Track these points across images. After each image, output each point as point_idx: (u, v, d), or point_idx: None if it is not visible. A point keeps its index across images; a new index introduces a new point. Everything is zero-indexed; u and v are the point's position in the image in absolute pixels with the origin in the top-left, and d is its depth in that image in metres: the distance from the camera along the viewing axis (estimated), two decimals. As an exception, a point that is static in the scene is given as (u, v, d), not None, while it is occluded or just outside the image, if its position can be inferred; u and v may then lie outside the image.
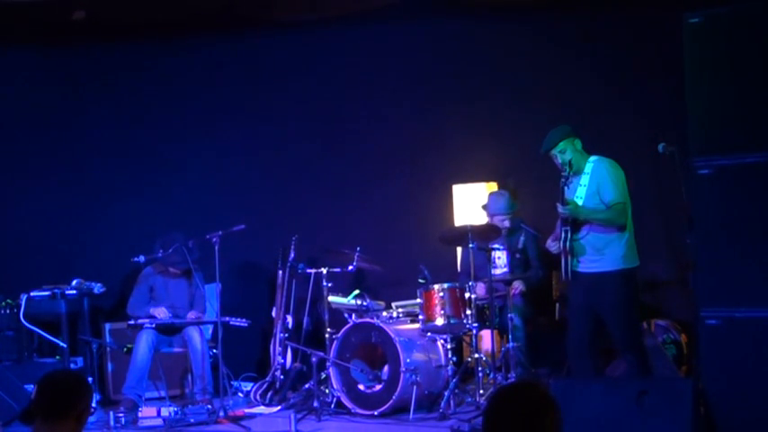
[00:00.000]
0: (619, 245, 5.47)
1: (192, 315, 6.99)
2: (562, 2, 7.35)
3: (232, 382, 7.09)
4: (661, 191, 6.75)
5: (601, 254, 5.49)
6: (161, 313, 6.92)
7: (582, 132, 5.74)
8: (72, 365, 7.06)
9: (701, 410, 4.58)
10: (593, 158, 5.60)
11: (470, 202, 7.40)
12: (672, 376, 6.02)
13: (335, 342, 6.52)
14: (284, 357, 7.18)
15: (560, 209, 5.46)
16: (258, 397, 6.93)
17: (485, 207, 6.97)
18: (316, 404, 6.30)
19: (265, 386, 6.99)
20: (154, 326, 6.86)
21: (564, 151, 5.56)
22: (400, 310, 6.82)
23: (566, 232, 5.52)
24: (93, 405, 6.43)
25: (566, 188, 5.49)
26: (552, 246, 5.65)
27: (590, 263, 5.53)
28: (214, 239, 6.52)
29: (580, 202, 5.52)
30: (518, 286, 6.78)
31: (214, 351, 6.84)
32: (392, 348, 6.28)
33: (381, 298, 7.21)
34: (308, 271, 7.01)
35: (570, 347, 5.66)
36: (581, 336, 5.58)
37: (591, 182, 5.52)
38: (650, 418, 4.45)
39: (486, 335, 6.72)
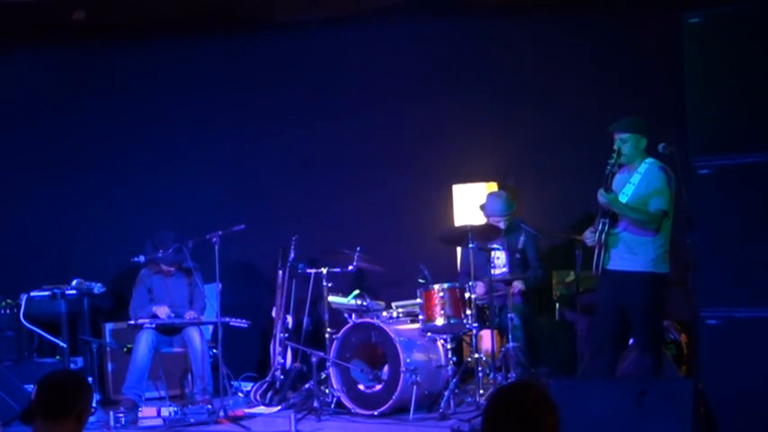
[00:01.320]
0: (652, 248, 5.44)
1: (190, 315, 6.99)
2: (562, 2, 7.36)
3: (232, 382, 7.09)
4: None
5: (633, 253, 5.46)
6: (163, 312, 6.92)
7: (582, 132, 5.75)
8: (72, 365, 7.06)
9: (701, 410, 4.58)
10: (649, 160, 5.52)
11: (470, 202, 7.40)
12: (672, 376, 6.01)
13: (335, 342, 6.52)
14: (284, 357, 7.18)
15: (601, 196, 5.43)
16: (258, 397, 6.92)
17: (482, 207, 6.97)
18: (316, 404, 6.30)
19: (265, 386, 6.99)
20: (154, 326, 6.86)
21: (625, 141, 5.48)
22: (400, 310, 6.82)
23: (603, 224, 5.48)
24: (94, 405, 6.43)
25: (612, 178, 5.41)
26: (589, 237, 5.61)
27: (621, 260, 5.50)
28: (214, 239, 6.52)
29: (624, 199, 5.49)
30: (518, 286, 6.78)
31: (214, 351, 6.84)
32: (392, 348, 6.28)
33: (381, 298, 7.21)
34: (308, 271, 7.01)
35: (593, 342, 5.65)
36: (604, 333, 5.56)
37: (641, 182, 5.47)
38: (650, 418, 4.44)
39: (486, 335, 6.71)
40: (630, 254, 5.47)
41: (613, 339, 5.55)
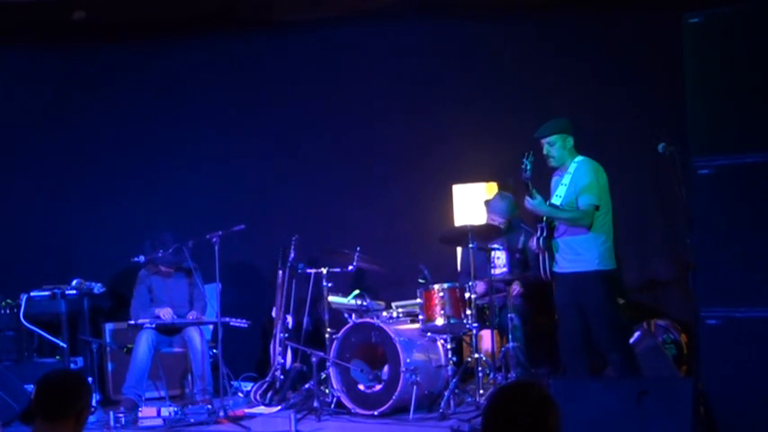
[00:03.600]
0: (594, 246, 5.50)
1: (191, 315, 6.99)
2: (562, 2, 7.35)
3: (232, 382, 7.08)
4: (661, 191, 6.75)
5: (577, 254, 5.55)
6: (166, 314, 6.91)
7: (582, 132, 5.74)
8: (72, 365, 7.06)
9: (700, 410, 4.58)
10: (578, 159, 5.63)
11: (470, 202, 7.40)
12: (672, 376, 6.02)
13: (335, 342, 6.52)
14: (284, 357, 7.18)
15: (527, 203, 5.52)
16: (258, 397, 6.92)
17: (486, 203, 6.98)
18: (316, 404, 6.30)
19: (265, 386, 6.99)
20: (154, 326, 6.86)
21: (552, 144, 5.61)
22: (400, 310, 6.82)
23: (541, 230, 5.59)
24: (93, 405, 6.43)
25: (531, 185, 5.49)
26: (533, 244, 5.70)
27: (567, 263, 5.58)
28: (214, 239, 6.52)
29: (559, 201, 5.57)
30: (517, 287, 6.78)
31: (214, 351, 6.84)
32: (392, 348, 6.27)
33: (381, 298, 7.21)
34: (308, 271, 7.01)
35: (562, 346, 5.69)
36: (572, 334, 5.61)
37: (572, 181, 5.57)
38: (650, 418, 4.45)
39: (486, 335, 6.72)
40: (575, 255, 5.54)
41: (581, 339, 5.58)
